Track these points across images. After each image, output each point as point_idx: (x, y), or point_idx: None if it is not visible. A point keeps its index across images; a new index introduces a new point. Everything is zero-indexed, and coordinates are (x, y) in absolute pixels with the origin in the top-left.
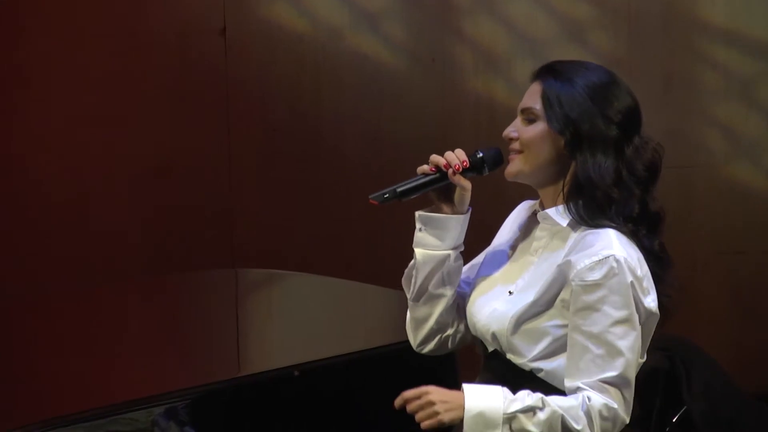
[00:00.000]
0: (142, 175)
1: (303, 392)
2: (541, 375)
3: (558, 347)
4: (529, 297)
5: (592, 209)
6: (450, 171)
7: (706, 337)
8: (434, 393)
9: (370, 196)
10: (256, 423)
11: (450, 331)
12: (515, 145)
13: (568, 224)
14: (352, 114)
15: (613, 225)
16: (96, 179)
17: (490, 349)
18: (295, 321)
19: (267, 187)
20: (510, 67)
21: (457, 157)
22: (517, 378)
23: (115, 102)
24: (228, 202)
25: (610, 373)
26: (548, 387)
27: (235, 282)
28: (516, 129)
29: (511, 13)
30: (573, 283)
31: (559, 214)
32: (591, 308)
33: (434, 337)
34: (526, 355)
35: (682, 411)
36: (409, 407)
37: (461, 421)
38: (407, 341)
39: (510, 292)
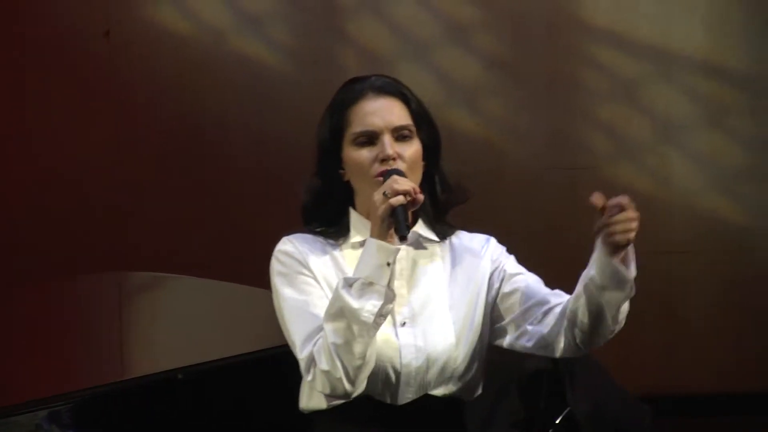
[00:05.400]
0: (32, 180)
1: (188, 396)
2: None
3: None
4: (444, 315)
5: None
6: (420, 195)
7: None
8: None
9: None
10: (140, 427)
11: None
12: (400, 165)
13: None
14: (237, 117)
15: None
16: None
17: (412, 394)
18: (180, 324)
19: (157, 188)
20: (393, 69)
21: (406, 180)
22: (446, 411)
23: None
24: (119, 204)
25: None
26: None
27: (119, 285)
28: (393, 148)
29: (396, 14)
30: (501, 260)
31: (428, 232)
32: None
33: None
34: (470, 372)
35: (566, 411)
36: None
37: None
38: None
39: (404, 323)
